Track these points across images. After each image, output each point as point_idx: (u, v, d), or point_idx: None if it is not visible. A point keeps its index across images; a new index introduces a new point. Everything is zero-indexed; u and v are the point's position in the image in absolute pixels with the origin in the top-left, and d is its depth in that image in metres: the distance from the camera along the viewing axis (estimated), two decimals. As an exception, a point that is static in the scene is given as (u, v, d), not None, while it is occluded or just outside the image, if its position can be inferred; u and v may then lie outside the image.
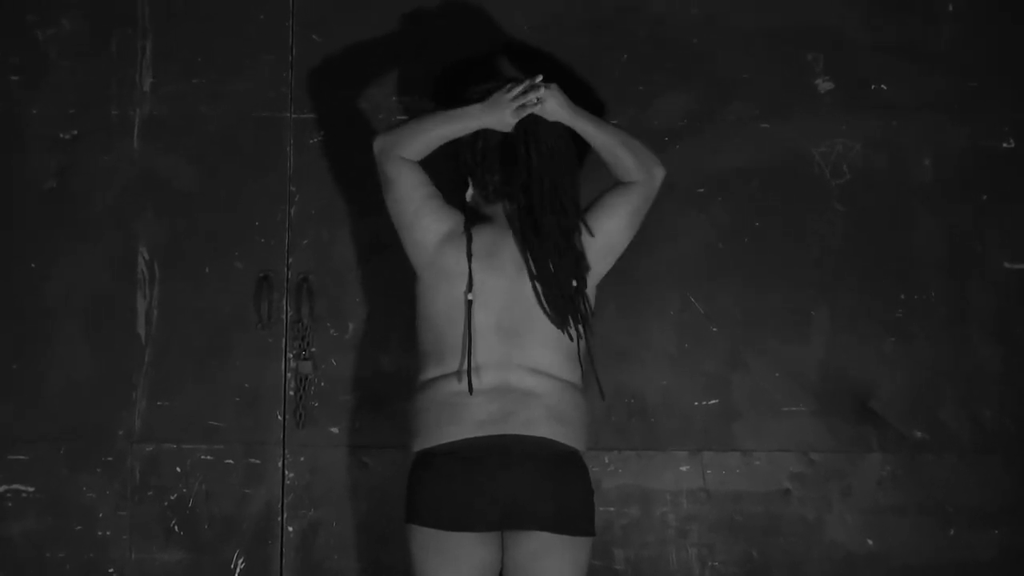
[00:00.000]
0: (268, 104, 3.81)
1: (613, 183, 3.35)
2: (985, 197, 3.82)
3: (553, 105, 3.25)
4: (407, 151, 3.26)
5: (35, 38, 3.82)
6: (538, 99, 3.23)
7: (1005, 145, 3.83)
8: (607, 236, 3.31)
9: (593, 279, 3.31)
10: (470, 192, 3.37)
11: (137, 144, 3.81)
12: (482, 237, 3.26)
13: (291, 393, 3.76)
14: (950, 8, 3.85)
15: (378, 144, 3.29)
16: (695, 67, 3.84)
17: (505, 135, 3.28)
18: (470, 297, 3.20)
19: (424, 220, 3.27)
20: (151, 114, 3.81)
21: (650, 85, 3.83)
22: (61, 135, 3.81)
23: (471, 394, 3.15)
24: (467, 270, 3.21)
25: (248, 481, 3.75)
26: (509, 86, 3.24)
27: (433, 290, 3.25)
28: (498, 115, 3.23)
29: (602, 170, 3.37)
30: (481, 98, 3.26)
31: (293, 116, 3.82)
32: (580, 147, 3.34)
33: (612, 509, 3.76)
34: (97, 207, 3.79)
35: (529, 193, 3.25)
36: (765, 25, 3.85)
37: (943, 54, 3.84)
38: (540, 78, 3.24)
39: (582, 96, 3.77)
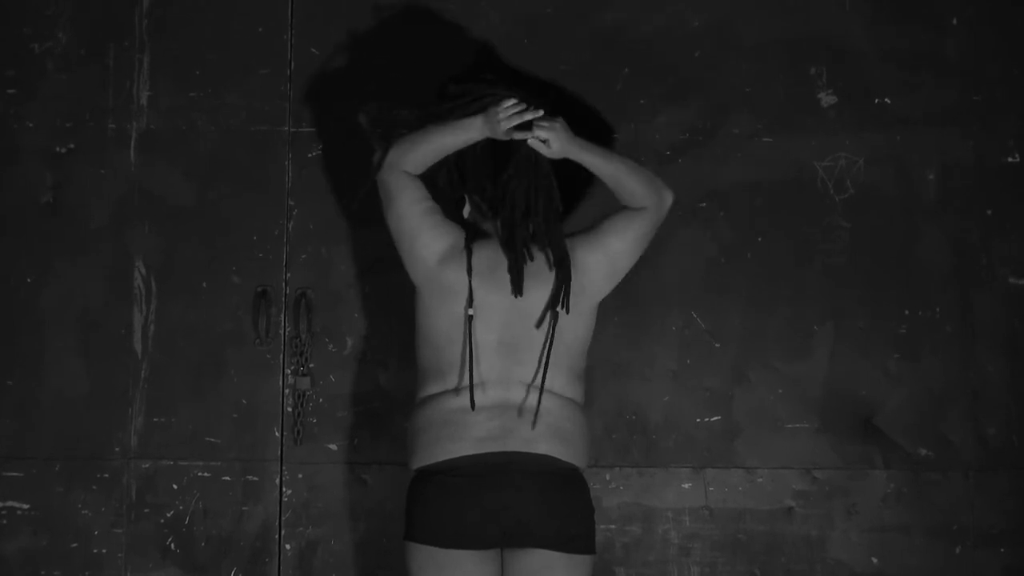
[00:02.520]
0: (266, 118, 3.80)
1: (620, 205, 3.34)
2: (990, 212, 3.80)
3: (559, 145, 3.23)
4: (410, 164, 3.25)
5: (31, 51, 3.81)
6: (544, 140, 3.22)
7: (1010, 159, 3.81)
8: (612, 257, 3.30)
9: (592, 299, 3.29)
10: (467, 209, 3.36)
11: (134, 157, 3.79)
12: (482, 253, 3.25)
13: (289, 409, 3.74)
14: (955, 21, 3.84)
15: (380, 158, 3.27)
16: (697, 80, 3.83)
17: (495, 153, 3.28)
18: (470, 312, 3.18)
19: (424, 236, 3.25)
20: (148, 128, 3.79)
21: (652, 99, 3.82)
22: (57, 148, 3.79)
23: (473, 409, 3.13)
24: (467, 286, 3.19)
25: (245, 498, 3.73)
26: (504, 103, 3.21)
27: (433, 307, 3.24)
28: (495, 127, 3.22)
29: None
30: (480, 109, 3.24)
31: (291, 130, 3.80)
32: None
33: (613, 527, 3.74)
34: (93, 221, 3.78)
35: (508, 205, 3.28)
36: (768, 38, 3.84)
37: (948, 67, 3.83)
38: (541, 113, 3.21)
39: (581, 112, 3.79)
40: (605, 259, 3.29)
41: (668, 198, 3.36)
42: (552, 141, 3.21)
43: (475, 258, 3.23)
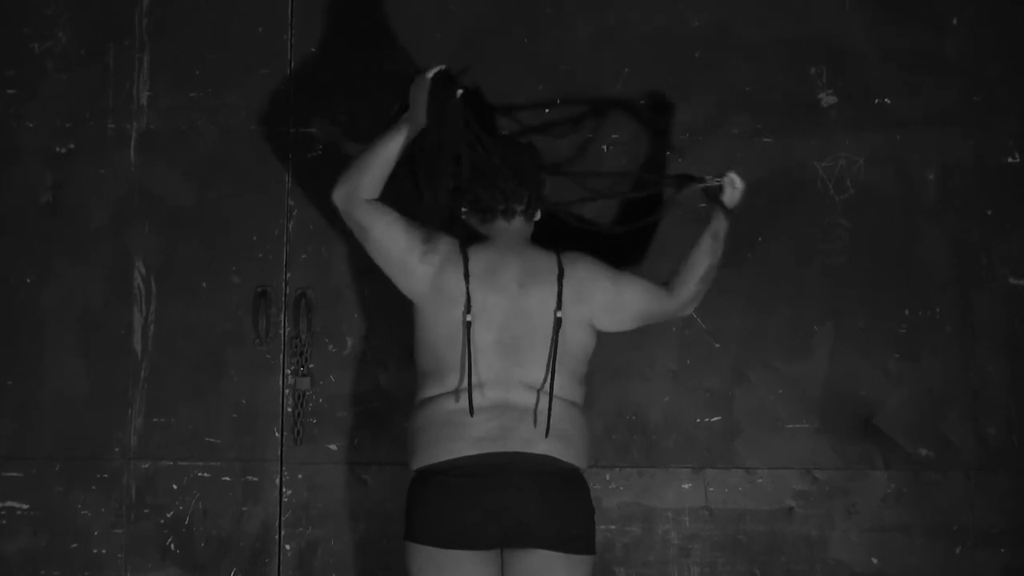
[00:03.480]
0: (266, 118, 3.79)
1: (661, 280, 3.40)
2: (990, 212, 3.79)
3: (734, 202, 3.42)
4: (368, 190, 3.23)
5: (31, 51, 3.80)
6: (735, 186, 3.40)
7: (1010, 160, 3.80)
8: (616, 299, 3.32)
9: (591, 315, 3.30)
10: (465, 211, 3.37)
11: (134, 158, 3.79)
12: (480, 256, 3.25)
13: (289, 410, 3.73)
14: (955, 21, 3.83)
15: (338, 197, 3.25)
16: (697, 80, 3.82)
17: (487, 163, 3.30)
18: (469, 319, 3.18)
19: (418, 249, 3.25)
20: (148, 128, 3.79)
21: (652, 99, 3.80)
22: (57, 148, 3.78)
23: (472, 416, 3.13)
24: (465, 291, 3.19)
25: (245, 499, 3.73)
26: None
27: (433, 313, 3.24)
28: (421, 94, 3.24)
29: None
30: (403, 108, 3.27)
31: (292, 130, 3.79)
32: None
33: (613, 527, 3.73)
34: (93, 221, 3.77)
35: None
36: (768, 38, 3.83)
37: (948, 68, 3.82)
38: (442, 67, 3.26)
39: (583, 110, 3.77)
40: (612, 293, 3.31)
41: (689, 310, 3.46)
42: (736, 193, 3.41)
43: (472, 262, 3.23)
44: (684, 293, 3.39)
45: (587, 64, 3.81)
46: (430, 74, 3.24)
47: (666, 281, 3.42)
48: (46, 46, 3.81)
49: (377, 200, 3.26)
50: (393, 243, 3.24)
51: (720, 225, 3.41)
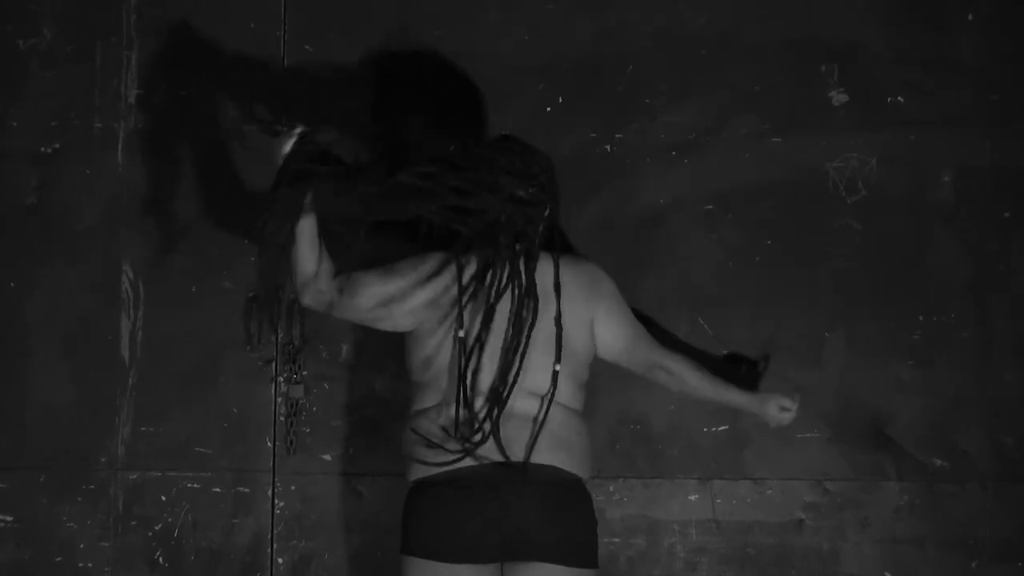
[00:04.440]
0: (259, 117, 3.74)
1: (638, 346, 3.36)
2: (1007, 215, 3.76)
3: (776, 419, 3.46)
4: (322, 274, 3.16)
5: (15, 47, 3.80)
6: (784, 409, 3.45)
7: (1027, 161, 3.79)
8: (623, 313, 3.33)
9: (586, 317, 3.28)
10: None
11: (121, 158, 3.77)
12: (473, 267, 3.21)
13: (282, 418, 3.71)
14: (970, 18, 3.80)
15: (308, 300, 3.18)
16: (703, 79, 3.79)
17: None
18: (461, 334, 3.15)
19: (408, 293, 3.20)
20: (136, 127, 3.78)
21: (656, 98, 3.78)
22: (42, 148, 3.78)
23: (455, 435, 3.10)
24: (459, 306, 3.17)
25: (236, 510, 3.70)
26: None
27: (430, 326, 3.21)
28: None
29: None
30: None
31: (285, 130, 3.72)
32: None
33: (617, 540, 3.70)
34: (79, 223, 3.76)
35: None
36: (777, 35, 3.80)
37: (963, 66, 3.79)
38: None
39: (585, 109, 3.74)
40: (615, 299, 3.32)
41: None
42: (778, 416, 3.45)
43: (467, 273, 3.20)
44: (658, 361, 3.37)
45: (590, 63, 3.78)
46: (286, 147, 3.14)
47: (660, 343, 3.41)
48: (31, 43, 3.80)
49: (341, 273, 3.19)
50: (380, 290, 3.20)
51: (738, 401, 3.45)
